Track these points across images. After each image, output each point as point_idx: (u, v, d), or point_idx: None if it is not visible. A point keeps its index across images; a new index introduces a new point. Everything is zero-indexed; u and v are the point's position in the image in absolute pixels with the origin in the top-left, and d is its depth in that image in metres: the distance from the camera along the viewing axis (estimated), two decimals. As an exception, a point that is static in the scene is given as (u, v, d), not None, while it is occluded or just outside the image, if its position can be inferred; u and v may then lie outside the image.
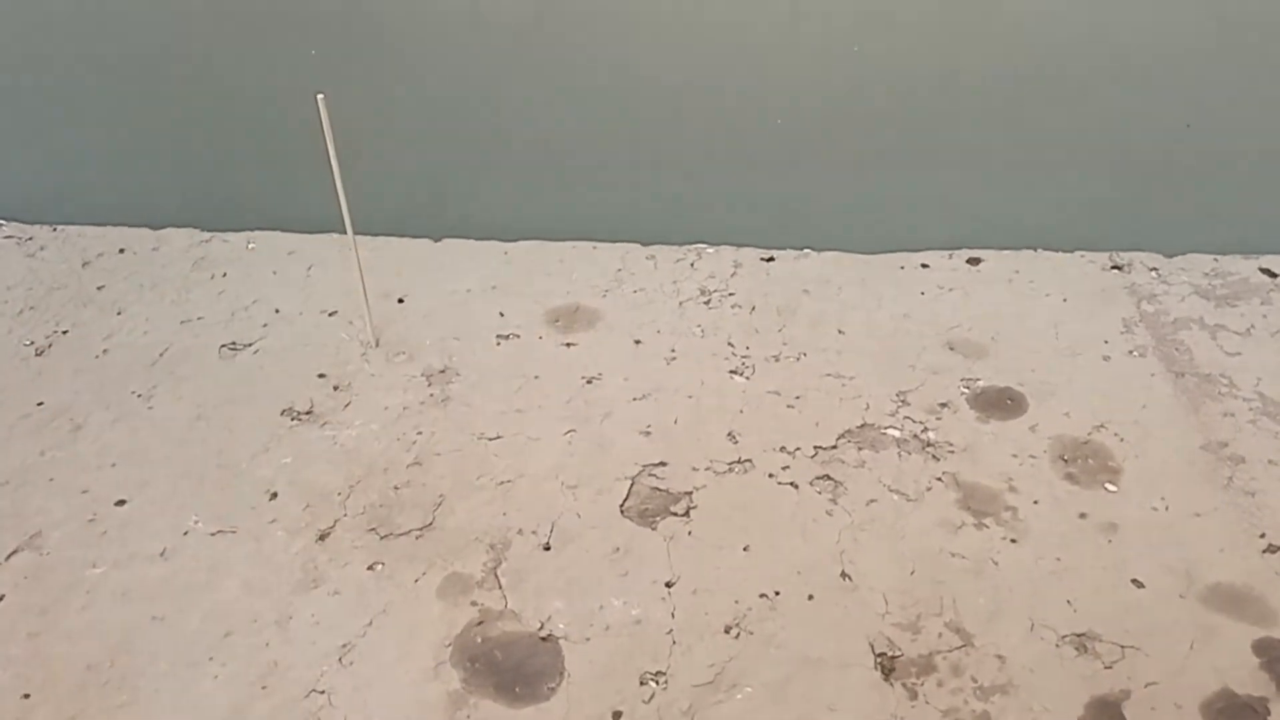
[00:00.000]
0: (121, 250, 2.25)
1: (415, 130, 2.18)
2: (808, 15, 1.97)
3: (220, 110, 2.18)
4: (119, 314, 2.08)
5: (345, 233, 1.87)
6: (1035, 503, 1.63)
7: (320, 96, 1.71)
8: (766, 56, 2.02)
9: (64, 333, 2.03)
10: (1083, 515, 1.60)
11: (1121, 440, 1.72)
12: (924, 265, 2.15)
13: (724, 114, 2.09)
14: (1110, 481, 1.66)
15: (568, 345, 1.97)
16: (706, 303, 2.06)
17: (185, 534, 1.64)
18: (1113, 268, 2.11)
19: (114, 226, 2.31)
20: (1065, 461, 1.70)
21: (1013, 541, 1.57)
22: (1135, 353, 1.90)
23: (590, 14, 2.01)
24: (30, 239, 2.28)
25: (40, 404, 1.87)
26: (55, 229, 2.31)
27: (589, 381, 1.89)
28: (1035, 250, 2.17)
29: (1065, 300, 2.03)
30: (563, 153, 2.16)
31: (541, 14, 2.02)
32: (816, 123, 2.09)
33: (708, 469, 1.71)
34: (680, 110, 2.09)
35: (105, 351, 1.99)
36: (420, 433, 1.80)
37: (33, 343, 2.00)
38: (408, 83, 2.13)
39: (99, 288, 2.15)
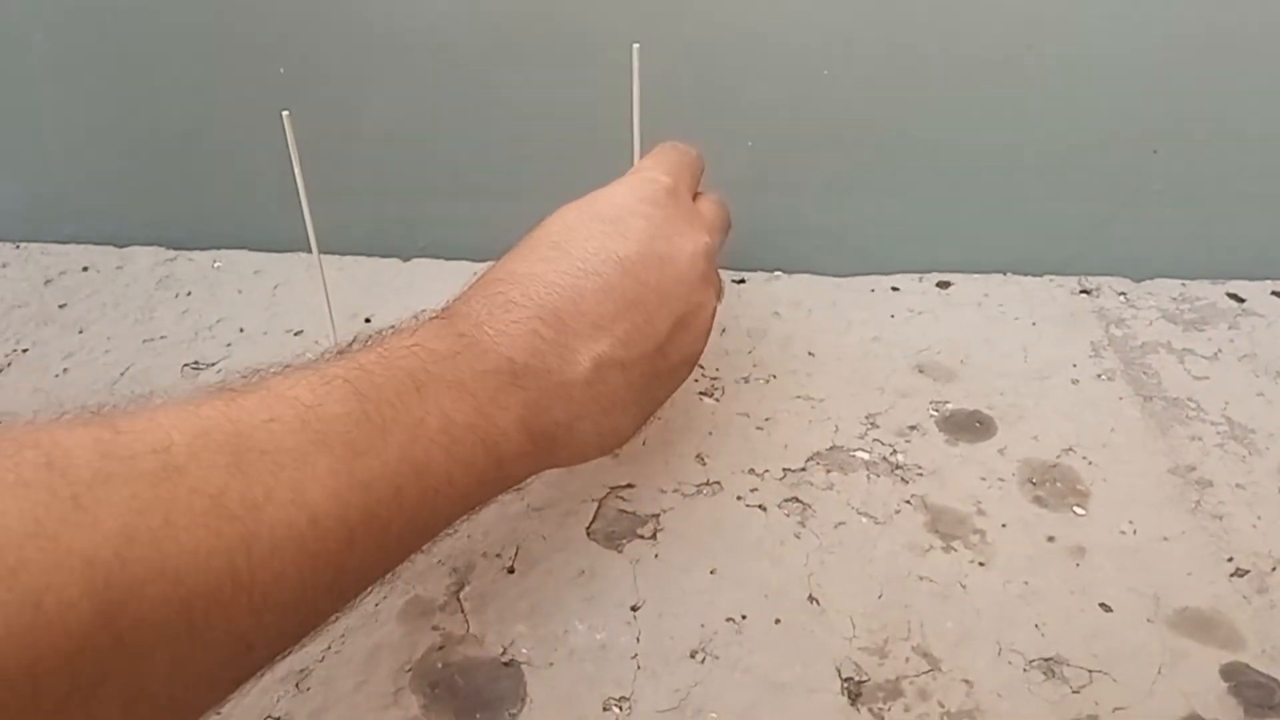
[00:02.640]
0: (85, 268, 2.22)
1: (386, 148, 2.16)
2: (777, 39, 1.98)
3: (187, 128, 2.16)
4: (80, 333, 2.05)
5: (312, 251, 1.85)
6: (1003, 525, 1.62)
7: (285, 114, 1.69)
8: (736, 79, 2.02)
9: (23, 351, 2.00)
10: (1050, 538, 1.59)
11: (1090, 463, 1.72)
12: (894, 288, 2.15)
13: (694, 136, 2.09)
14: (1078, 505, 1.65)
15: (536, 366, 1.96)
16: (676, 324, 2.05)
17: (142, 556, 1.60)
18: (1081, 292, 2.12)
19: (78, 244, 2.28)
20: (1033, 484, 1.69)
21: (981, 565, 1.56)
22: (1104, 376, 1.90)
23: (559, 35, 2.00)
24: (-8, 256, 2.26)
25: (-3, 423, 1.84)
26: (18, 246, 2.28)
27: (557, 403, 1.87)
28: (1005, 274, 2.17)
29: (1034, 324, 2.03)
30: (535, 172, 2.15)
31: (511, 34, 2.01)
32: (788, 146, 2.09)
33: (675, 490, 1.69)
34: (651, 131, 2.08)
35: (65, 371, 1.95)
36: (385, 454, 1.77)
37: (-9, 361, 1.98)
38: (378, 100, 2.11)
39: (61, 306, 2.12)
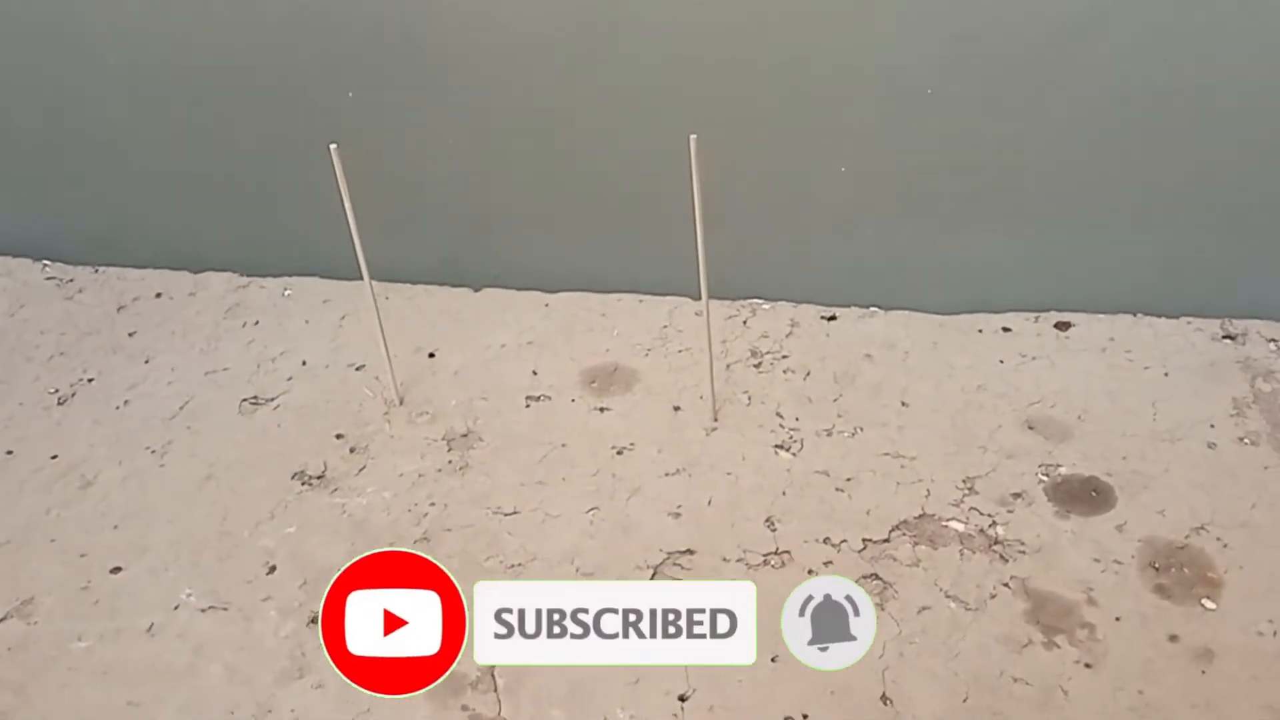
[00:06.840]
0: (158, 294, 2.19)
1: (460, 174, 2.07)
2: (876, 54, 1.79)
3: (263, 152, 2.11)
4: (146, 363, 2.01)
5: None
6: (1117, 619, 1.40)
7: (333, 147, 1.60)
8: (830, 98, 1.85)
9: (89, 381, 1.97)
10: (1172, 638, 1.37)
11: (1224, 546, 1.48)
12: (1005, 329, 1.93)
13: (785, 159, 1.92)
14: (1208, 597, 1.42)
15: (601, 410, 1.82)
16: (757, 366, 1.89)
17: (176, 608, 1.54)
18: (1224, 337, 1.86)
19: (154, 269, 2.25)
20: (1156, 570, 1.46)
21: (1087, 666, 1.35)
22: (1247, 440, 1.65)
23: (641, 55, 1.87)
24: (71, 281, 2.25)
25: (54, 457, 1.81)
26: (96, 270, 2.26)
27: (619, 452, 1.73)
28: (1134, 315, 1.92)
29: (1167, 374, 1.79)
30: (613, 198, 2.02)
31: (586, 59, 1.89)
32: (887, 170, 1.90)
33: (740, 560, 1.53)
34: (738, 155, 1.92)
35: (126, 403, 1.92)
36: (433, 504, 1.66)
37: (57, 390, 1.95)
38: (454, 126, 2.02)
39: (130, 334, 2.09)
